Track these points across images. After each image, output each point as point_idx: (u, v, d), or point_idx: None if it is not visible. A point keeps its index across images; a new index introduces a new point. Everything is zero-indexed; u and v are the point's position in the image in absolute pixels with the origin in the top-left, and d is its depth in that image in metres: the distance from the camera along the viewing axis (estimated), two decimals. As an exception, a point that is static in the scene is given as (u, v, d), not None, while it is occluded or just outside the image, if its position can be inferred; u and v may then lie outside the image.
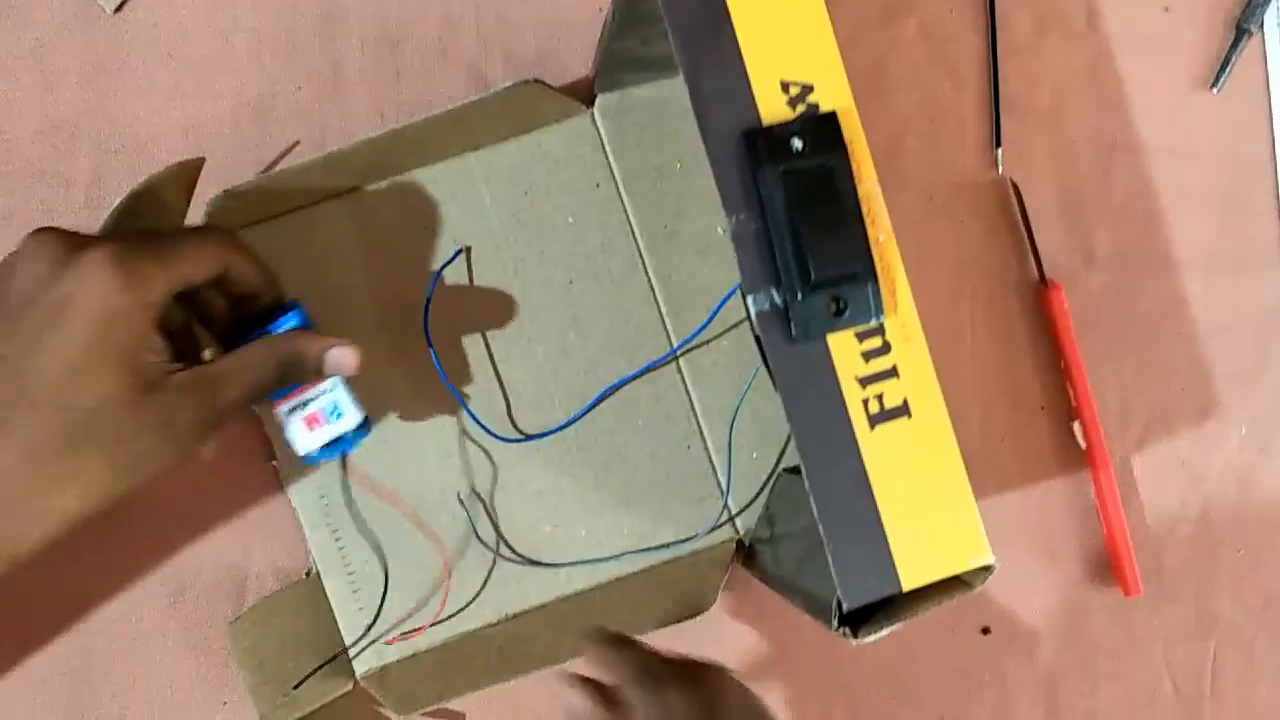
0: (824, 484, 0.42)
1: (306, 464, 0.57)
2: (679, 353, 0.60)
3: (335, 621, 0.59)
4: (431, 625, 0.59)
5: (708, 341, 0.60)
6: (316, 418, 0.53)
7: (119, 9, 0.59)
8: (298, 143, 0.60)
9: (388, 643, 0.59)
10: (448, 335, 0.59)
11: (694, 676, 0.48)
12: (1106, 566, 0.63)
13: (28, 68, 0.59)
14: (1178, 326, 0.63)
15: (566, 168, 0.60)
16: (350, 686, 0.59)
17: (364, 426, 0.54)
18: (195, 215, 0.56)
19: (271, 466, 0.59)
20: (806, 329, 0.42)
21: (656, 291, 0.60)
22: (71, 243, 0.46)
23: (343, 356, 0.51)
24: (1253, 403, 0.63)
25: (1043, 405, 0.63)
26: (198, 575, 0.59)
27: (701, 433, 0.61)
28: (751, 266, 0.42)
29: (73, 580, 0.58)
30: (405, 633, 0.59)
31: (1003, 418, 0.63)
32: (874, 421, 0.43)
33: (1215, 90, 0.63)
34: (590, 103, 0.60)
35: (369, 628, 0.59)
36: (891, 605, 0.44)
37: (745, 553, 0.61)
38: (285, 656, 0.58)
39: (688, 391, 0.61)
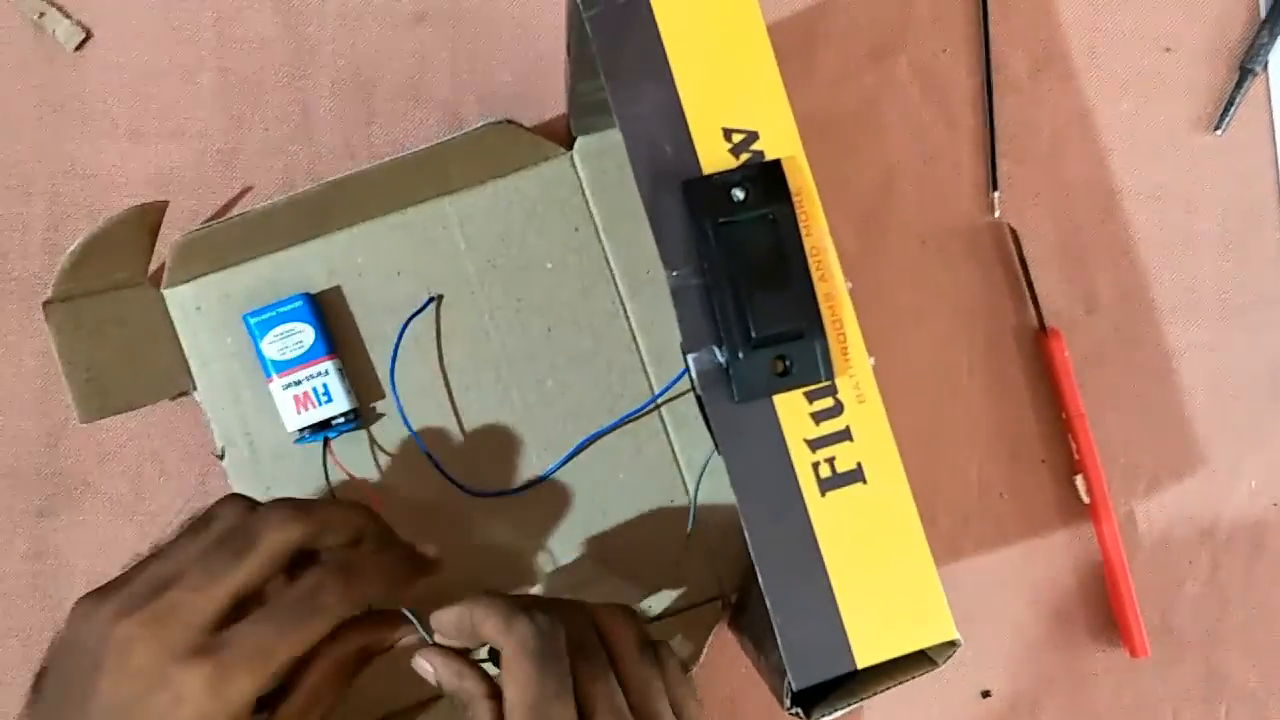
0: (770, 554, 0.39)
1: (296, 444, 0.56)
2: (660, 401, 0.58)
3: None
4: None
5: (690, 389, 0.58)
6: (307, 398, 0.54)
7: (79, 47, 0.57)
8: (250, 188, 0.58)
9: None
10: (418, 385, 0.57)
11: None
12: (1112, 626, 0.60)
13: (-16, 107, 0.57)
14: (1183, 375, 0.60)
15: (545, 211, 0.58)
16: None
17: (353, 417, 0.55)
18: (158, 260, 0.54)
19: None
20: (749, 389, 0.39)
21: (638, 338, 0.58)
22: (166, 653, 0.42)
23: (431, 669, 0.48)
24: (1263, 454, 0.61)
25: (1043, 458, 0.60)
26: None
27: (685, 484, 0.58)
28: (692, 323, 0.40)
29: None
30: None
31: (1002, 471, 0.60)
32: (825, 487, 0.40)
33: (1219, 132, 0.61)
34: (569, 144, 0.58)
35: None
36: (848, 683, 0.41)
37: (733, 610, 0.58)
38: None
39: (670, 442, 0.58)
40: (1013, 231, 0.60)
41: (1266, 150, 0.61)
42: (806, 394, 0.40)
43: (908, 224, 0.60)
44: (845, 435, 0.40)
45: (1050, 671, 0.60)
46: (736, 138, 0.40)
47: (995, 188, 0.60)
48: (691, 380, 0.40)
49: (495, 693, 0.45)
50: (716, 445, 0.40)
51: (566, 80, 0.52)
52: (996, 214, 0.60)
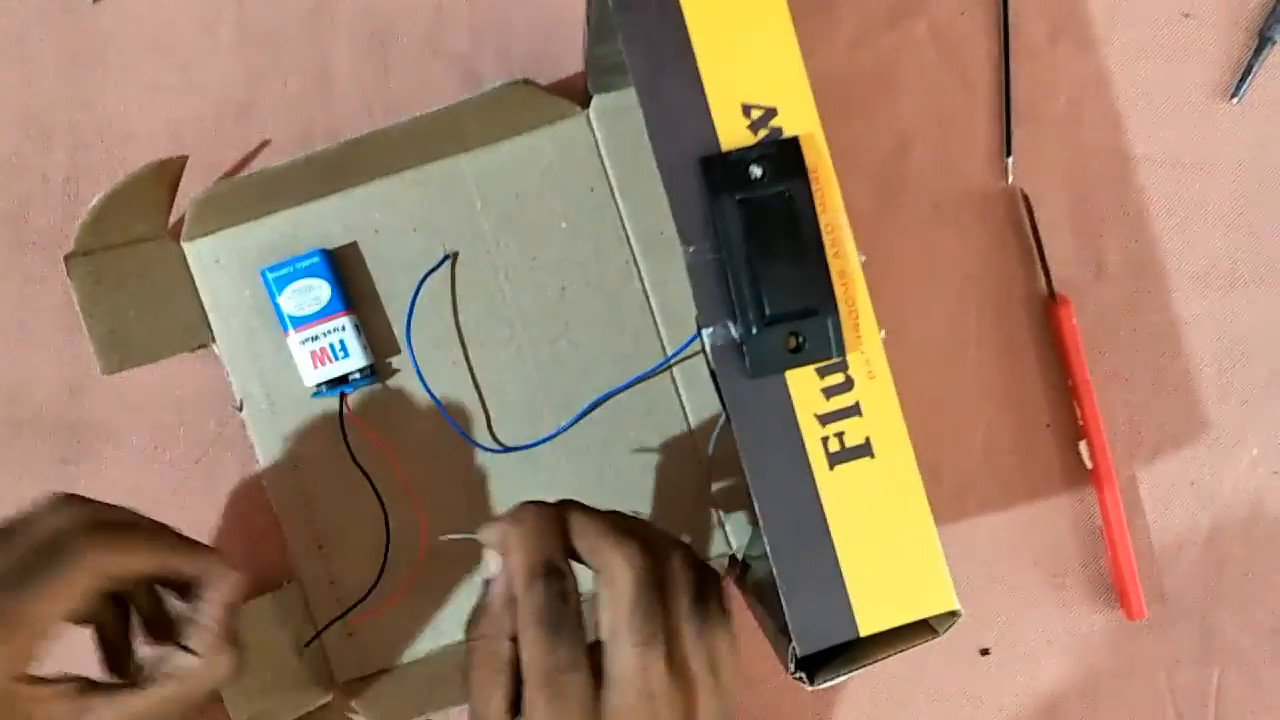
0: (779, 525, 0.40)
1: (313, 398, 0.57)
2: (672, 362, 0.59)
3: (314, 628, 0.58)
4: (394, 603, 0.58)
5: (701, 351, 0.58)
6: (324, 353, 0.55)
7: (99, -1, 0.57)
8: (268, 142, 0.58)
9: (352, 621, 0.58)
10: (433, 342, 0.58)
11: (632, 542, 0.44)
12: (1110, 588, 0.61)
13: (4, 58, 0.57)
14: (1189, 344, 0.61)
15: (560, 171, 0.58)
16: (330, 697, 0.58)
17: (369, 372, 0.56)
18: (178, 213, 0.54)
19: (256, 473, 0.58)
20: (762, 364, 0.40)
21: (651, 299, 0.58)
22: None
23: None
24: (1266, 423, 0.61)
25: (1049, 423, 0.61)
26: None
27: (695, 443, 0.59)
28: (707, 298, 0.40)
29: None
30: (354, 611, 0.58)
31: (1007, 435, 0.61)
32: (834, 461, 0.41)
33: (1235, 100, 0.60)
34: (585, 103, 0.58)
35: (343, 615, 0.58)
36: (850, 650, 0.42)
37: (739, 569, 0.59)
38: (263, 665, 0.56)
39: (682, 403, 0.59)
40: (1025, 197, 0.60)
41: (1283, 119, 0.61)
42: (818, 370, 0.41)
43: (921, 187, 0.60)
44: (855, 410, 0.41)
45: (1048, 631, 0.61)
46: (755, 114, 0.41)
47: (1009, 153, 0.60)
48: (705, 354, 0.41)
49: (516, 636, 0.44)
50: (728, 418, 0.40)
51: (584, 41, 0.52)
52: (1010, 179, 0.60)
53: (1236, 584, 0.61)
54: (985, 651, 0.61)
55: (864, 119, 0.60)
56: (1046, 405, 0.61)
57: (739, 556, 0.59)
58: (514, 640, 0.43)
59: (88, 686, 0.45)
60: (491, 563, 0.44)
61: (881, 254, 0.60)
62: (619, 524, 0.45)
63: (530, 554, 0.43)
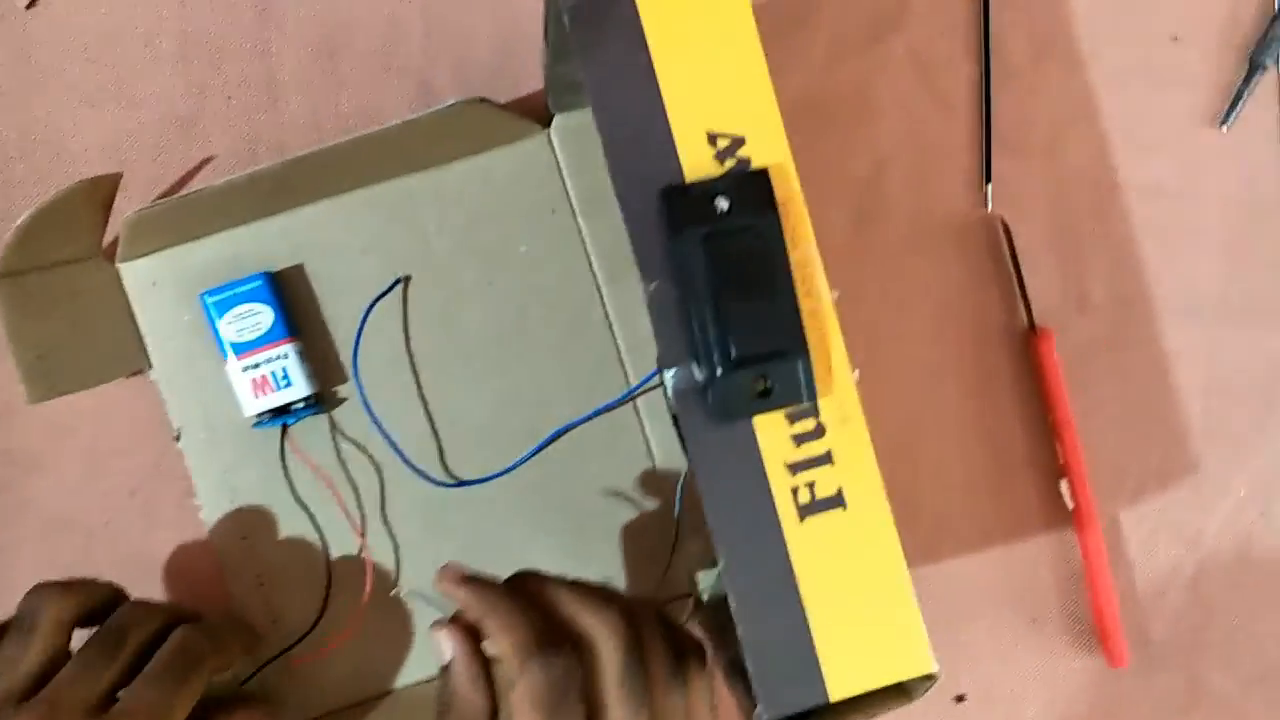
0: (745, 581, 0.38)
1: (254, 428, 0.54)
2: (636, 394, 0.56)
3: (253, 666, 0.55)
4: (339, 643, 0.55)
5: (664, 394, 0.56)
6: (265, 382, 0.52)
7: (31, 4, 0.54)
8: (211, 158, 0.55)
9: (296, 663, 0.55)
10: (382, 370, 0.55)
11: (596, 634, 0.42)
12: (1091, 633, 0.58)
13: (-68, 65, 0.54)
14: (1175, 379, 0.59)
15: (519, 192, 0.55)
16: None
17: (314, 402, 0.53)
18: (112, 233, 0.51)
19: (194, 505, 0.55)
20: (727, 409, 0.38)
21: (615, 327, 0.56)
22: None
23: None
24: (1253, 463, 0.59)
25: (1028, 460, 0.58)
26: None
27: (658, 478, 0.56)
28: (669, 339, 0.38)
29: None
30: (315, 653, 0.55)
31: (985, 473, 0.58)
32: (804, 513, 0.38)
33: (1224, 127, 0.58)
34: (546, 121, 0.55)
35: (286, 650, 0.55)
36: (819, 715, 0.39)
37: (702, 611, 0.56)
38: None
39: (645, 435, 0.56)
40: (1005, 226, 0.57)
41: (1273, 148, 0.59)
42: (787, 415, 0.38)
43: (899, 213, 0.58)
44: (826, 459, 0.38)
45: (1026, 677, 0.59)
46: (722, 143, 0.38)
47: (989, 180, 0.57)
48: (667, 398, 0.38)
49: (495, 715, 0.42)
50: (692, 467, 0.38)
51: (544, 58, 0.49)
52: (989, 207, 0.58)
53: (1222, 630, 0.59)
54: (961, 698, 0.59)
55: (840, 141, 0.57)
56: (1027, 442, 0.58)
57: (703, 599, 0.56)
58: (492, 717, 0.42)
59: None
60: (446, 647, 0.43)
61: (857, 281, 0.57)
62: (593, 590, 0.43)
63: (521, 630, 0.41)
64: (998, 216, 0.58)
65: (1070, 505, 0.57)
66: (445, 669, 0.44)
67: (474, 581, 0.44)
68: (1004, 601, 0.59)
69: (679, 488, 0.54)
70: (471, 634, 0.43)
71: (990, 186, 0.57)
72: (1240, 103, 0.58)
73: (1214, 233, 0.58)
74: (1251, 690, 0.59)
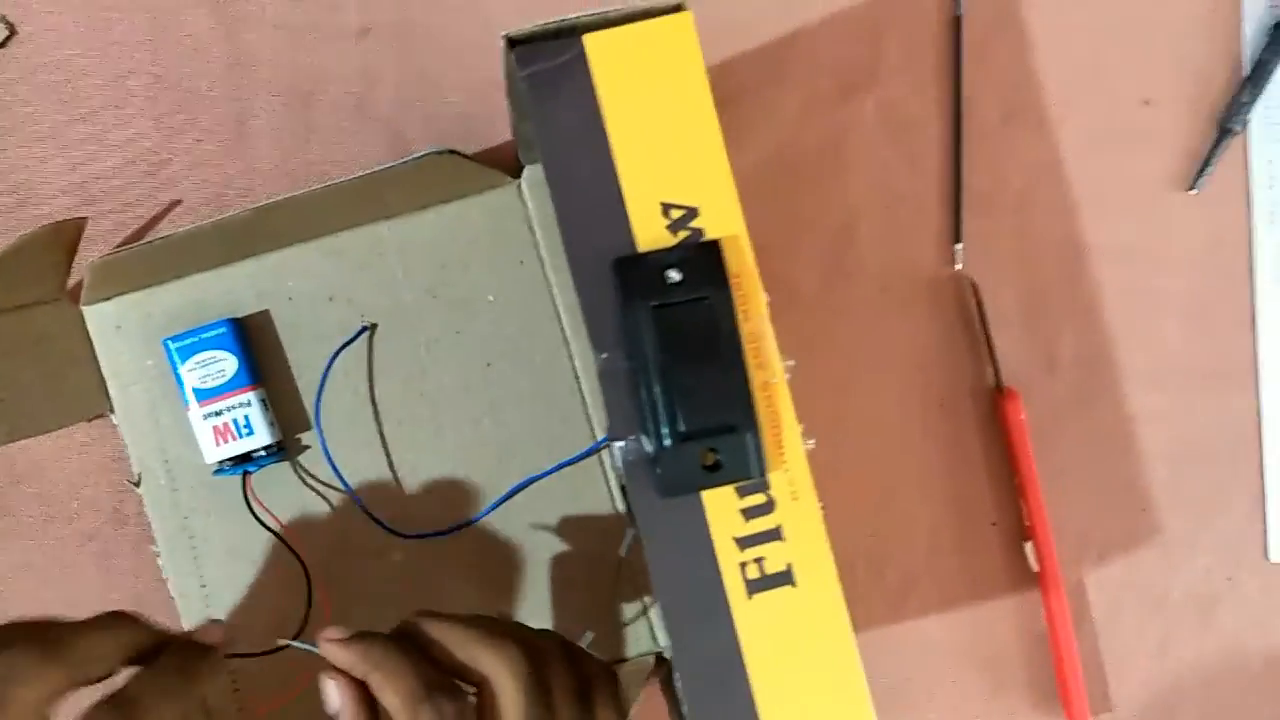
0: (691, 655, 0.37)
1: (215, 475, 0.53)
2: (601, 447, 0.55)
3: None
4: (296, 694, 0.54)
5: (614, 465, 0.55)
6: (227, 429, 0.52)
7: (2, 44, 0.54)
8: (179, 202, 0.55)
9: (259, 710, 0.54)
10: (346, 419, 0.54)
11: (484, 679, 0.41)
12: (1055, 696, 0.58)
13: (-101, 104, 0.54)
14: (1142, 442, 0.58)
15: (489, 242, 0.55)
16: None
17: (276, 450, 0.53)
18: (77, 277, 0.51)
19: (152, 551, 0.54)
20: (675, 483, 0.37)
21: (581, 379, 0.55)
22: None
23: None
24: (1220, 528, 0.59)
25: (994, 520, 0.58)
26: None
27: (624, 531, 0.56)
28: (619, 410, 0.38)
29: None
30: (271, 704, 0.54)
31: (950, 533, 0.58)
32: (752, 589, 0.38)
33: (1193, 191, 0.58)
34: (517, 172, 0.55)
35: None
36: None
37: (667, 668, 0.56)
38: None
39: (610, 489, 0.56)
40: (974, 286, 0.57)
41: (1241, 212, 0.59)
42: (738, 489, 0.38)
43: (868, 270, 0.58)
44: (776, 534, 0.38)
45: (989, 741, 0.58)
46: (675, 214, 0.38)
47: (959, 239, 0.57)
48: (616, 469, 0.38)
49: None
50: (640, 540, 0.37)
51: (510, 115, 0.49)
52: (958, 266, 0.58)
53: (1186, 695, 0.59)
54: (923, 760, 0.58)
55: (811, 196, 0.57)
56: (992, 502, 0.58)
57: (666, 655, 0.56)
58: None
59: None
60: (332, 695, 0.41)
61: (825, 336, 0.57)
62: (490, 627, 0.42)
63: (405, 679, 0.40)
64: (967, 276, 0.58)
65: (1035, 567, 0.57)
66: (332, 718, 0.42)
67: (356, 638, 0.42)
68: (968, 664, 0.58)
69: (625, 545, 0.54)
70: (360, 685, 0.42)
71: (960, 246, 0.57)
72: (1209, 166, 0.58)
73: (1181, 296, 0.59)
74: (1215, 757, 0.59)
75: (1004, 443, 0.57)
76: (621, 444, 0.37)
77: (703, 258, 0.38)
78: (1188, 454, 0.59)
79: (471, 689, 0.41)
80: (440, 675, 0.40)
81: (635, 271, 0.37)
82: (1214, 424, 0.59)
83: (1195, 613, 0.59)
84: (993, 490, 0.58)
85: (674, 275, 0.37)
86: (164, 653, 0.42)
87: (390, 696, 0.40)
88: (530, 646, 0.41)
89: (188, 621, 0.54)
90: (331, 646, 0.42)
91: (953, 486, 0.58)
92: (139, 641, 0.41)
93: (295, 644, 0.44)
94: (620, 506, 0.56)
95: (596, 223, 0.38)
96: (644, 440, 0.37)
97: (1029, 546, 0.57)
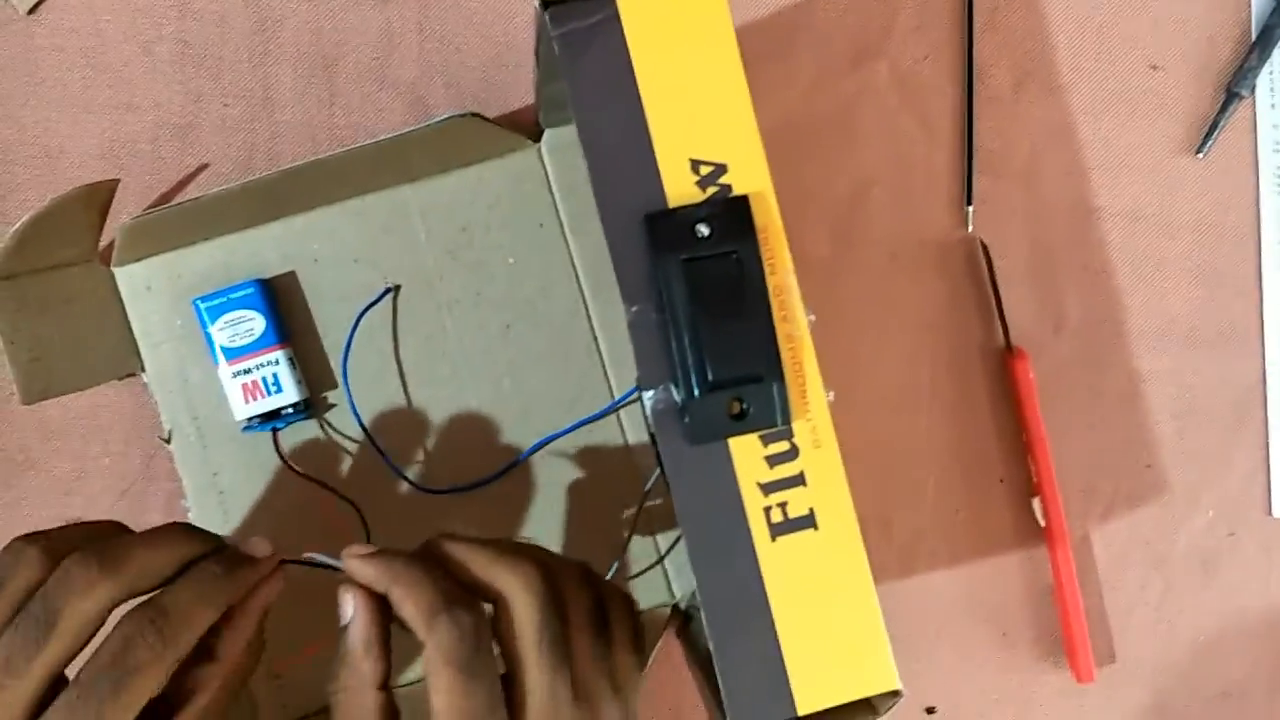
0: (717, 597, 0.39)
1: (244, 432, 0.54)
2: (619, 406, 0.57)
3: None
4: (319, 648, 0.55)
5: (643, 414, 0.57)
6: (255, 387, 0.53)
7: (33, 10, 0.55)
8: (206, 166, 0.56)
9: (277, 667, 0.56)
10: (371, 378, 0.56)
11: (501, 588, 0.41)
12: (1060, 649, 0.60)
13: (-68, 69, 0.55)
14: (1147, 401, 0.60)
15: (509, 205, 0.56)
16: None
17: (303, 408, 0.54)
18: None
19: (183, 507, 0.56)
20: (703, 431, 0.39)
21: (599, 340, 0.57)
22: None
23: (271, 594, 0.44)
24: (1222, 485, 0.60)
25: (1002, 478, 0.59)
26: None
27: (641, 487, 0.57)
28: (649, 361, 0.39)
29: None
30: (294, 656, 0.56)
31: (959, 490, 0.59)
32: (775, 532, 0.39)
33: (1200, 155, 0.59)
34: (537, 136, 0.56)
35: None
36: None
37: (682, 619, 0.57)
38: None
39: (628, 447, 0.57)
40: (984, 248, 0.58)
41: (1248, 176, 0.60)
42: (762, 437, 0.39)
43: (879, 235, 0.59)
44: (799, 480, 0.39)
45: (995, 692, 0.60)
46: (704, 170, 0.39)
47: (970, 202, 0.58)
48: (645, 418, 0.39)
49: (385, 683, 0.42)
50: (667, 484, 0.39)
51: (535, 77, 0.50)
52: (969, 229, 0.59)
53: (1187, 648, 0.60)
54: (931, 710, 0.60)
55: (822, 164, 0.58)
56: (1000, 460, 0.59)
57: (681, 606, 0.57)
58: (382, 689, 0.41)
59: None
60: (348, 605, 0.42)
61: (836, 301, 0.58)
62: (510, 546, 0.43)
63: (425, 591, 0.40)
64: (977, 239, 0.59)
65: (1042, 523, 0.59)
66: (343, 631, 0.42)
67: (378, 554, 0.42)
68: (975, 617, 0.60)
69: (647, 489, 0.55)
70: (377, 599, 0.42)
71: (971, 209, 0.58)
72: (1216, 131, 0.59)
73: (1188, 258, 0.60)
74: (1214, 707, 0.60)
75: (1012, 401, 0.59)
76: (651, 393, 0.39)
77: (731, 213, 0.39)
78: (1192, 413, 0.60)
79: (489, 606, 0.42)
80: (459, 590, 0.41)
81: (665, 226, 0.38)
82: (1218, 384, 0.60)
83: (1198, 567, 0.60)
84: (1000, 448, 0.59)
85: (703, 230, 0.38)
86: (207, 560, 0.42)
87: (409, 608, 0.40)
88: (548, 567, 0.42)
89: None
90: (354, 561, 0.42)
91: (961, 444, 0.59)
92: (195, 555, 0.42)
93: (319, 556, 0.44)
94: (638, 463, 0.57)
95: (628, 180, 0.39)
96: (673, 390, 0.39)
97: (1036, 502, 0.58)
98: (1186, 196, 0.60)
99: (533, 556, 0.42)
